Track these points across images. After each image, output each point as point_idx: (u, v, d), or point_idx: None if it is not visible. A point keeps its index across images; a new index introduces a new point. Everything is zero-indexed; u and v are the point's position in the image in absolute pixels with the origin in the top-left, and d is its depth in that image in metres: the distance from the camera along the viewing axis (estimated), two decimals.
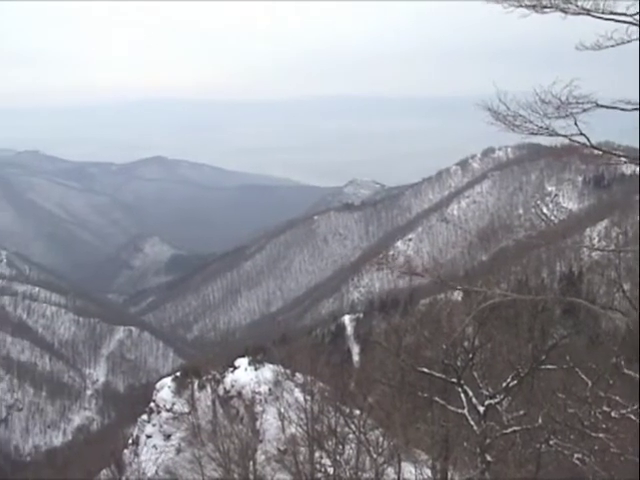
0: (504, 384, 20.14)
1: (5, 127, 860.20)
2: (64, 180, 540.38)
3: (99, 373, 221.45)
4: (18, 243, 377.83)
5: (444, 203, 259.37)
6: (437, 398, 22.91)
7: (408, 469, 29.74)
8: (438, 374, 22.06)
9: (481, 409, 19.75)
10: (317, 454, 34.50)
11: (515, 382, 20.08)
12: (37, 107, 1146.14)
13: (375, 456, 28.27)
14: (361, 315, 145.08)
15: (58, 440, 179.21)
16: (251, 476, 36.67)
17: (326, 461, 33.37)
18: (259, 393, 60.41)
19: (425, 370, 22.33)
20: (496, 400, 19.89)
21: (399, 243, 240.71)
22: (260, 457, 40.94)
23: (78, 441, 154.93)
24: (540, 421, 18.89)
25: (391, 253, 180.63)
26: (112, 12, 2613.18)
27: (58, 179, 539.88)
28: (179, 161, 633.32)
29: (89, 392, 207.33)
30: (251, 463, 37.43)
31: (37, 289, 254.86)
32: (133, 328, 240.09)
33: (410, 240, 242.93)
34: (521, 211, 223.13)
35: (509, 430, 19.46)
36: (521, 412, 20.20)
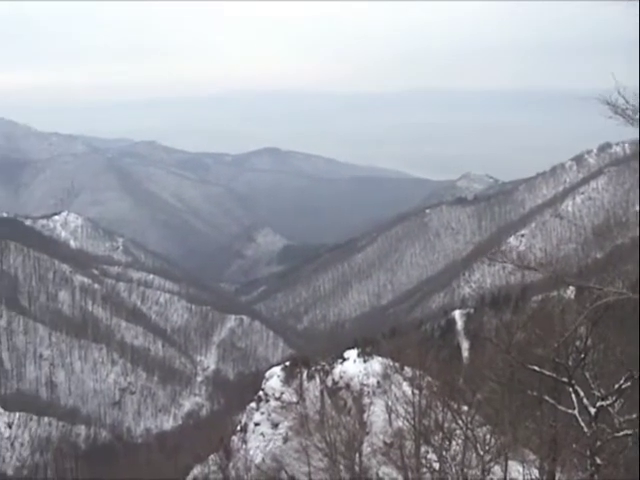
0: (616, 386, 19.63)
1: (123, 118, 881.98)
2: (179, 170, 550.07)
3: (210, 360, 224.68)
4: (134, 231, 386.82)
5: (558, 199, 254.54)
6: (547, 397, 22.51)
7: (515, 468, 29.30)
8: (549, 373, 21.63)
9: (592, 410, 19.29)
10: (423, 449, 34.30)
11: (628, 384, 19.56)
12: (154, 98, 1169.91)
13: (482, 453, 27.94)
14: (472, 310, 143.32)
15: (168, 424, 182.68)
16: (356, 468, 36.72)
17: (432, 456, 33.16)
18: (367, 385, 60.39)
19: (535, 368, 21.91)
20: (608, 402, 19.41)
21: (511, 239, 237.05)
22: (366, 449, 40.92)
23: (188, 426, 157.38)
24: None
25: (503, 248, 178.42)
26: (230, 6, 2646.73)
27: (174, 169, 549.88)
28: (292, 152, 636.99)
29: (200, 378, 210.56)
30: (357, 455, 37.47)
31: (152, 276, 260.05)
32: (244, 317, 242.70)
33: (523, 236, 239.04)
34: (637, 208, 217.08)
35: (621, 433, 18.97)
36: (634, 415, 19.67)
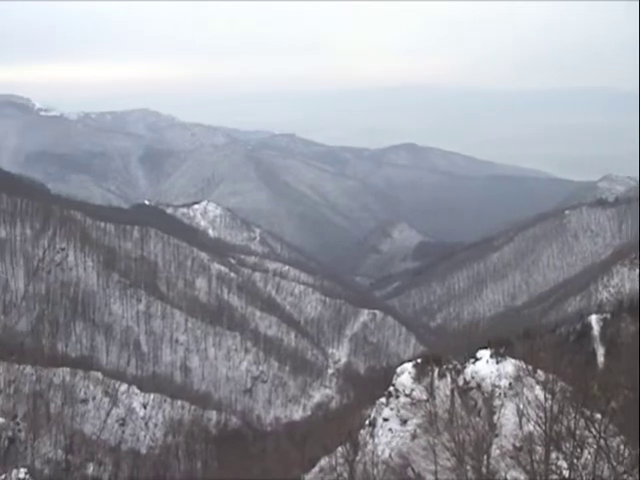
0: None
1: (263, 110, 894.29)
2: (318, 163, 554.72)
3: (341, 353, 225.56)
4: (271, 222, 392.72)
5: None
6: None
7: None
8: None
9: None
10: (553, 455, 33.64)
11: None
12: (294, 91, 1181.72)
13: (615, 464, 27.21)
14: (609, 316, 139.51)
15: (298, 414, 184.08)
16: (484, 469, 36.30)
17: (562, 463, 32.48)
18: (499, 387, 59.57)
19: None
20: None
21: None
22: (495, 451, 40.42)
23: (317, 417, 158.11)
24: None
25: None
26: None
27: (312, 162, 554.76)
28: (430, 148, 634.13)
29: (330, 371, 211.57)
30: (485, 457, 37.06)
31: (287, 267, 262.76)
32: (377, 312, 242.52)
33: None
34: None
35: None
36: None
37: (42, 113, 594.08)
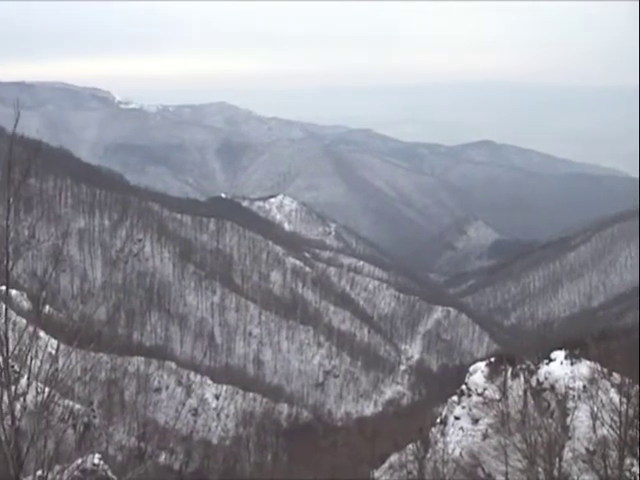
0: None
1: (340, 105, 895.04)
2: (394, 159, 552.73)
3: (414, 350, 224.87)
4: (347, 217, 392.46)
5: None
6: None
7: None
8: None
9: None
10: (628, 461, 33.04)
11: None
12: (370, 86, 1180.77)
13: None
14: None
15: (369, 410, 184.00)
16: (556, 472, 35.80)
17: (636, 469, 31.93)
18: (573, 389, 58.72)
19: None
20: None
21: None
22: (567, 454, 39.84)
23: (388, 413, 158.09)
24: None
25: None
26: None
27: (388, 158, 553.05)
28: (507, 146, 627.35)
29: (403, 367, 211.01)
30: (557, 459, 36.56)
31: (362, 263, 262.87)
32: (451, 309, 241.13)
33: None
34: None
35: None
36: None
37: (122, 106, 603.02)
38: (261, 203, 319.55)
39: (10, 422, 11.23)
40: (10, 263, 11.58)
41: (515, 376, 63.20)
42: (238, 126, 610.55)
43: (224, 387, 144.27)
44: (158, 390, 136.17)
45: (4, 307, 11.64)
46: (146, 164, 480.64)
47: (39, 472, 11.68)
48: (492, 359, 71.30)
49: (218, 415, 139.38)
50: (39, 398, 11.83)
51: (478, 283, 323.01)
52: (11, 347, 11.46)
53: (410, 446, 60.69)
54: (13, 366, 11.61)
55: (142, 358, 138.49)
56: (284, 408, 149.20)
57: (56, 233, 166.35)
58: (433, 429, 66.01)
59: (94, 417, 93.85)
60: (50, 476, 11.76)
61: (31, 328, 11.82)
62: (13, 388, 11.44)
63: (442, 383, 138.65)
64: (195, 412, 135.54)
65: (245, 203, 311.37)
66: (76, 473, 13.50)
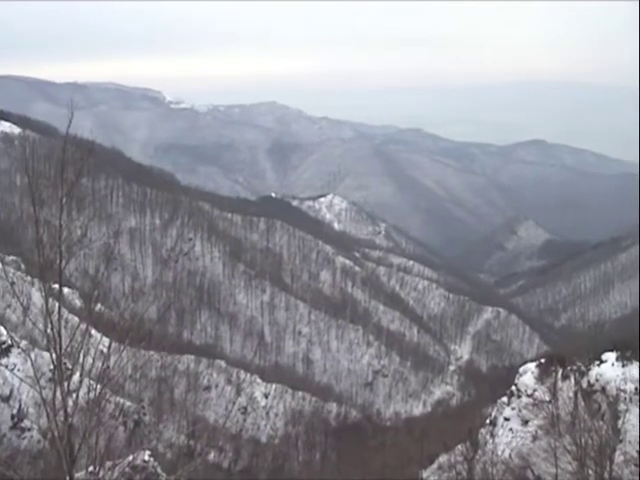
0: None
1: (390, 105, 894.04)
2: (444, 158, 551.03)
3: (463, 350, 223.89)
4: (396, 217, 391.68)
5: None
6: None
7: None
8: None
9: None
10: None
11: None
12: (420, 86, 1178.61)
13: None
14: None
15: (418, 410, 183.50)
16: (606, 475, 35.51)
17: None
18: (624, 391, 58.04)
19: None
20: None
21: None
22: (618, 458, 39.45)
23: (436, 414, 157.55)
24: None
25: None
26: None
27: (438, 157, 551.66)
28: (559, 145, 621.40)
29: (452, 367, 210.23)
30: (608, 462, 36.25)
31: (411, 262, 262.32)
32: (501, 309, 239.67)
33: None
34: None
35: None
36: None
37: (173, 106, 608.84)
38: (311, 202, 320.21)
39: (63, 418, 11.43)
40: (63, 262, 11.79)
41: (565, 377, 62.63)
42: (288, 126, 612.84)
43: (273, 386, 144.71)
44: (208, 388, 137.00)
45: (57, 305, 11.85)
46: (196, 164, 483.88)
47: (91, 468, 11.88)
48: (542, 360, 70.71)
49: (267, 414, 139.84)
50: (90, 395, 12.03)
51: (528, 284, 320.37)
52: (64, 344, 11.67)
53: (459, 447, 60.53)
54: (65, 363, 11.81)
55: (192, 356, 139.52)
56: (333, 407, 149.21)
57: (107, 232, 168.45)
58: (482, 430, 65.69)
59: (144, 414, 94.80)
60: (102, 472, 11.95)
61: (83, 326, 12.03)
62: (65, 385, 11.64)
63: (491, 384, 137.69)
64: (244, 410, 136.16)
65: (295, 202, 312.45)
66: (126, 470, 13.73)
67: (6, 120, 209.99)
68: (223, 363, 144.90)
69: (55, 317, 11.64)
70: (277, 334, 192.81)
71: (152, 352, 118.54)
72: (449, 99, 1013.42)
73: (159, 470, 47.63)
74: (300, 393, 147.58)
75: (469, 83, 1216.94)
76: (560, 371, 63.91)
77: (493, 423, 66.27)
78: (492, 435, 63.39)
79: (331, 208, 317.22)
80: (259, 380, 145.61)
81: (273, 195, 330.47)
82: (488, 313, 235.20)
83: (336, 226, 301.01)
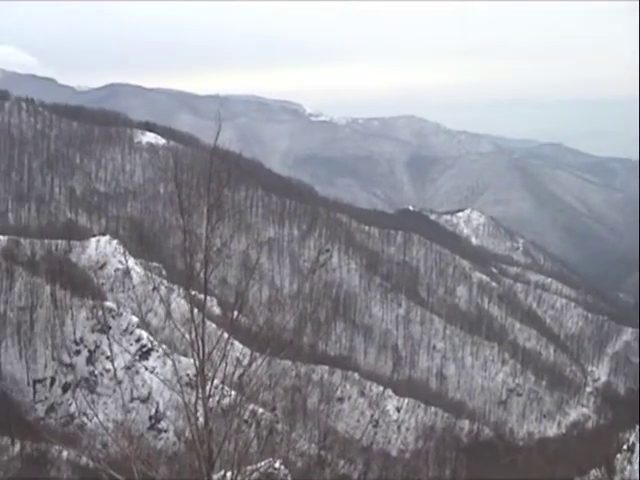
0: None
1: (530, 117, 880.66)
2: (584, 174, 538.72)
3: (601, 372, 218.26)
4: (535, 232, 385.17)
5: None
6: None
7: None
8: None
9: None
10: None
11: None
12: (560, 99, 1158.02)
13: None
14: None
15: (552, 431, 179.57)
16: None
17: None
18: None
19: None
20: None
21: None
22: None
23: (571, 436, 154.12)
24: None
25: None
26: None
27: (578, 172, 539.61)
28: None
29: (589, 389, 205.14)
30: None
31: (549, 280, 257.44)
32: None
33: None
34: None
35: None
36: None
37: (312, 118, 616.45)
38: (448, 217, 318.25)
39: (203, 422, 11.81)
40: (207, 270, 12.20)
41: None
42: (427, 139, 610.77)
43: (406, 400, 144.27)
44: (341, 400, 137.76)
45: (201, 313, 12.25)
46: (335, 175, 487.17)
47: (229, 473, 12.22)
48: None
49: (399, 428, 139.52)
50: (226, 401, 12.38)
51: None
52: (206, 351, 12.05)
53: (594, 471, 59.22)
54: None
55: (326, 367, 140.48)
56: (465, 424, 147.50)
57: (247, 242, 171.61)
58: (619, 455, 63.98)
59: (277, 422, 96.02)
60: (239, 478, 12.26)
61: (226, 335, 12.39)
62: (206, 390, 12.03)
63: (630, 408, 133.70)
64: (376, 423, 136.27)
65: (433, 216, 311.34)
66: (259, 476, 14.04)
67: (152, 131, 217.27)
68: (357, 375, 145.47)
69: (198, 325, 12.05)
70: (411, 348, 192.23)
71: (287, 361, 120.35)
72: (590, 112, 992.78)
73: (289, 478, 48.26)
74: (432, 408, 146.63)
75: (609, 95, 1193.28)
76: None
77: (631, 449, 64.45)
78: (630, 462, 61.70)
79: (469, 223, 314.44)
80: (392, 393, 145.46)
81: (411, 208, 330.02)
82: (628, 334, 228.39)
83: (473, 241, 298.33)
